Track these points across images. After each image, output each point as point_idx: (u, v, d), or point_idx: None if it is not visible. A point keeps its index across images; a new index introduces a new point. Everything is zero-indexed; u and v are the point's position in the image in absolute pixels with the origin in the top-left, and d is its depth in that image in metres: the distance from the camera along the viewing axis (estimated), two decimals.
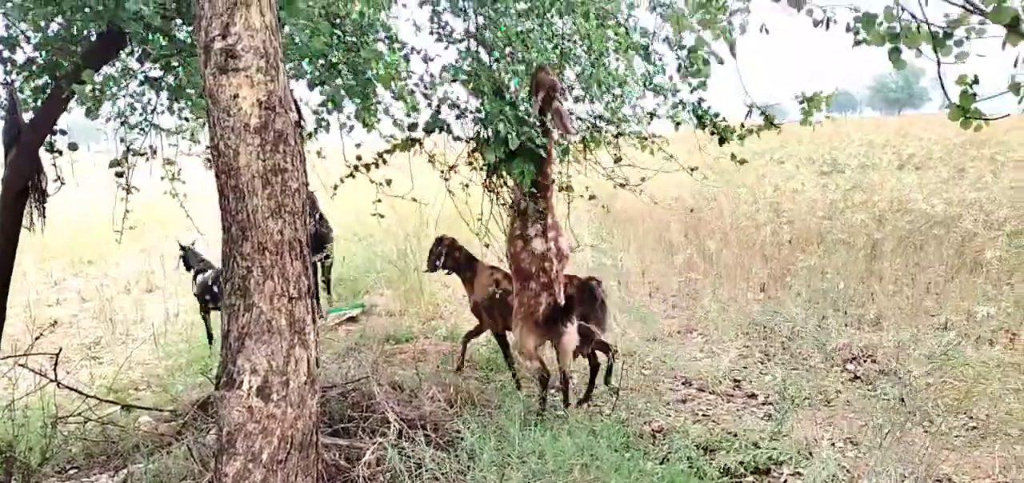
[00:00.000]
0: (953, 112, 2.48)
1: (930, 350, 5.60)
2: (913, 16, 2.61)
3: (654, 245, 9.91)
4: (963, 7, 2.42)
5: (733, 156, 4.70)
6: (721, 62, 4.36)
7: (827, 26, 3.12)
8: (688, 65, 4.56)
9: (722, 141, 4.60)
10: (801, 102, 4.13)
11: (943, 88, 2.48)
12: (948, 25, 2.52)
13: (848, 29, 2.93)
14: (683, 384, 5.57)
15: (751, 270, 8.23)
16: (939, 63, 2.45)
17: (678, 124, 4.85)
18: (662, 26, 4.71)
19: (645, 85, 4.86)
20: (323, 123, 4.70)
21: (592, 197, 5.22)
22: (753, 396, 5.29)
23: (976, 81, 2.43)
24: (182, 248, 7.36)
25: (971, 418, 4.71)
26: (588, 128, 5.16)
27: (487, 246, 5.14)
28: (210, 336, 7.04)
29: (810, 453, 4.23)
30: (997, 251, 7.42)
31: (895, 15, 2.63)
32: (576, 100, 5.06)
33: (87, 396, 4.67)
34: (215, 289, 6.84)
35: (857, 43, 2.89)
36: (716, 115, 4.63)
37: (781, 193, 11.70)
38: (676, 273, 8.79)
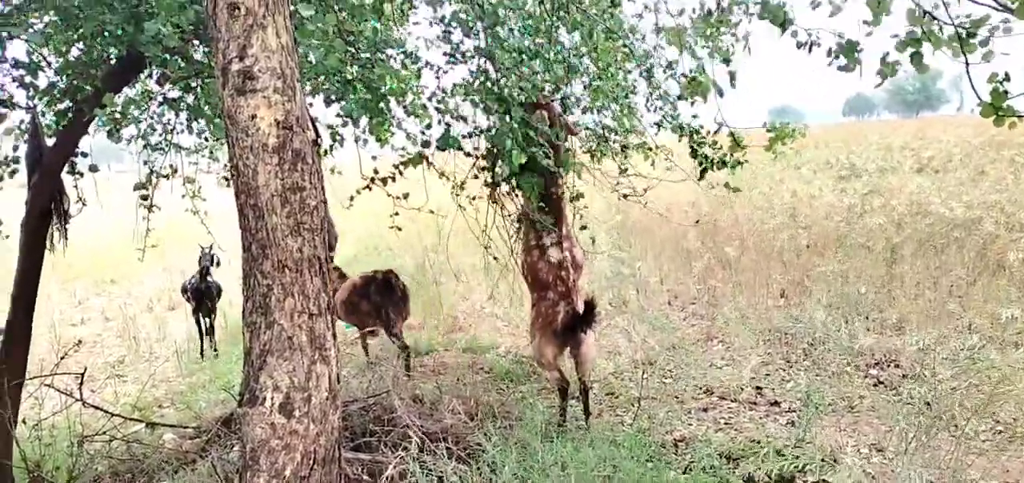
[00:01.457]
0: (985, 109, 2.46)
1: (954, 353, 5.54)
2: (934, 18, 2.59)
3: (672, 253, 9.87)
4: (989, 5, 2.41)
5: (727, 185, 4.79)
6: (721, 94, 4.40)
7: (810, 49, 3.13)
8: (688, 90, 4.60)
9: (702, 173, 4.70)
10: (769, 131, 4.20)
11: (973, 86, 2.46)
12: (971, 24, 2.50)
13: (829, 54, 2.94)
14: (705, 392, 5.54)
15: (770, 276, 8.18)
16: (967, 64, 2.43)
17: (681, 135, 4.90)
18: (663, 49, 4.77)
19: (646, 105, 4.93)
20: (338, 137, 4.75)
21: (583, 227, 5.22)
22: (776, 403, 5.25)
23: (1007, 78, 2.41)
24: (203, 252, 7.85)
25: (998, 422, 4.65)
26: (595, 139, 5.20)
27: (495, 259, 5.15)
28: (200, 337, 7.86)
29: (835, 460, 4.20)
30: (1020, 253, 7.32)
31: (918, 18, 2.61)
32: (583, 111, 5.10)
33: (112, 415, 4.72)
34: (189, 292, 7.71)
35: (840, 69, 2.90)
36: (714, 142, 4.69)
37: (798, 198, 11.61)
38: (695, 280, 8.75)
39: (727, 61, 4.37)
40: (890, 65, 2.64)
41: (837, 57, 2.94)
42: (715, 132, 4.38)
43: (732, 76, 4.26)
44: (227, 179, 5.24)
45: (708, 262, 8.95)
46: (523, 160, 4.16)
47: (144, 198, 4.63)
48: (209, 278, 7.72)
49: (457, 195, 4.84)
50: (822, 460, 4.18)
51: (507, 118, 4.19)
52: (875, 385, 5.42)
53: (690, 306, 8.17)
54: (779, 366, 5.97)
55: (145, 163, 4.83)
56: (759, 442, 4.50)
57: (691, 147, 4.73)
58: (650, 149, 5.19)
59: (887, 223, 8.97)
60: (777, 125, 4.28)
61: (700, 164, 4.75)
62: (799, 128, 4.29)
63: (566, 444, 4.09)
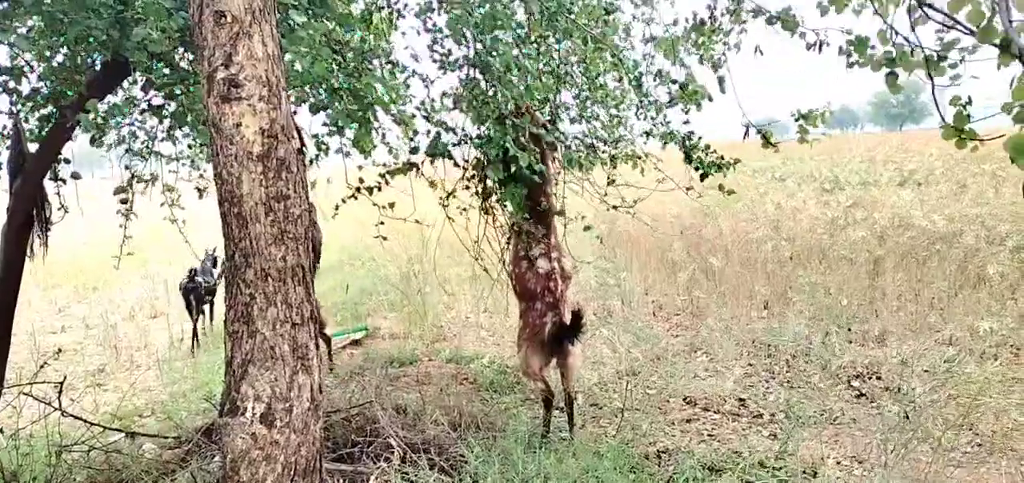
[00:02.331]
0: (946, 131, 2.50)
1: (933, 366, 5.59)
2: (906, 40, 2.63)
3: (657, 264, 9.91)
4: (954, 28, 2.44)
5: (721, 187, 4.76)
6: (710, 99, 4.42)
7: (820, 49, 3.16)
8: (678, 97, 4.61)
9: (703, 177, 4.67)
10: (797, 120, 4.16)
11: (938, 109, 2.50)
12: (942, 48, 2.54)
13: (841, 52, 2.96)
14: (688, 404, 5.56)
15: (754, 288, 8.23)
16: (933, 86, 2.47)
17: (665, 142, 4.88)
18: (653, 56, 4.78)
19: (636, 114, 4.93)
20: (323, 147, 4.74)
21: (587, 228, 5.23)
22: (759, 415, 5.28)
23: (969, 102, 2.45)
24: (206, 254, 8.59)
25: (976, 434, 4.69)
26: (584, 148, 5.21)
27: (485, 270, 5.14)
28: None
29: (816, 472, 4.22)
30: (999, 266, 7.42)
31: (888, 38, 2.65)
32: (571, 120, 5.11)
33: (91, 424, 4.68)
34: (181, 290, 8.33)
35: (850, 65, 2.92)
36: (706, 147, 4.67)
37: (782, 211, 11.70)
38: (679, 292, 8.79)
39: (716, 67, 4.39)
40: (906, 54, 2.63)
41: (848, 55, 2.96)
42: (744, 136, 4.37)
43: (721, 81, 4.27)
44: (199, 190, 5.24)
45: (693, 273, 8.99)
46: (525, 163, 4.17)
47: (124, 201, 4.59)
48: (197, 278, 8.30)
49: (446, 205, 4.84)
50: (803, 472, 4.21)
51: (501, 126, 4.19)
52: (857, 397, 5.46)
53: (674, 317, 8.20)
54: (762, 378, 6.00)
55: (127, 168, 4.80)
56: (741, 454, 4.51)
57: (685, 153, 4.71)
58: (639, 158, 5.19)
59: (870, 236, 9.05)
60: (803, 112, 4.21)
61: (696, 168, 4.71)
62: (826, 109, 4.21)
63: (549, 455, 4.09)
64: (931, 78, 2.47)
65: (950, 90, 2.50)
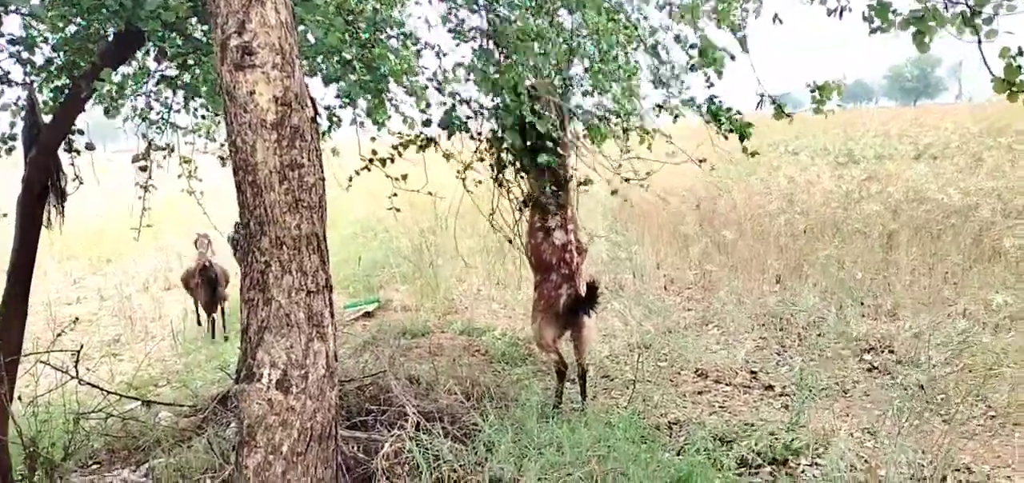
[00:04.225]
0: (998, 84, 2.44)
1: (947, 338, 5.56)
2: None
3: (669, 238, 9.89)
4: None
5: (745, 148, 4.70)
6: (733, 58, 4.35)
7: (841, 15, 3.11)
8: (700, 62, 4.54)
9: (742, 138, 4.58)
10: (813, 91, 4.11)
11: (985, 62, 2.45)
12: (976, 3, 2.49)
13: (864, 18, 2.91)
14: (700, 376, 5.57)
15: (766, 261, 8.20)
16: (980, 41, 2.42)
17: (676, 117, 4.82)
18: (670, 23, 4.71)
19: (653, 82, 4.87)
20: (335, 119, 4.74)
21: (585, 185, 5.19)
22: (770, 387, 5.28)
23: (1020, 52, 2.39)
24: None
25: (990, 407, 4.68)
26: (597, 120, 5.17)
27: (509, 241, 5.13)
28: None
29: (828, 443, 4.22)
30: (1016, 239, 7.35)
31: None
32: (584, 93, 5.07)
33: (108, 392, 4.73)
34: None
35: (872, 31, 2.87)
36: (729, 110, 4.60)
37: (796, 184, 11.63)
38: (691, 265, 8.77)
39: (736, 30, 4.32)
40: (938, 10, 2.59)
41: (870, 20, 2.91)
42: (758, 106, 4.33)
43: (743, 41, 4.20)
44: (223, 158, 5.24)
45: (705, 246, 8.97)
46: (544, 129, 4.14)
47: (143, 169, 4.62)
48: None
49: (463, 177, 4.83)
50: (815, 443, 4.21)
51: (516, 96, 4.16)
52: (869, 370, 5.45)
53: (686, 290, 8.19)
54: (774, 350, 6.00)
55: (144, 137, 4.81)
56: (753, 425, 4.52)
57: (713, 115, 4.63)
58: (647, 133, 5.16)
59: (884, 209, 8.99)
60: (818, 83, 4.15)
61: (728, 129, 4.62)
62: (841, 82, 4.15)
63: (561, 425, 4.10)
64: (977, 34, 2.42)
65: (985, 47, 2.45)
